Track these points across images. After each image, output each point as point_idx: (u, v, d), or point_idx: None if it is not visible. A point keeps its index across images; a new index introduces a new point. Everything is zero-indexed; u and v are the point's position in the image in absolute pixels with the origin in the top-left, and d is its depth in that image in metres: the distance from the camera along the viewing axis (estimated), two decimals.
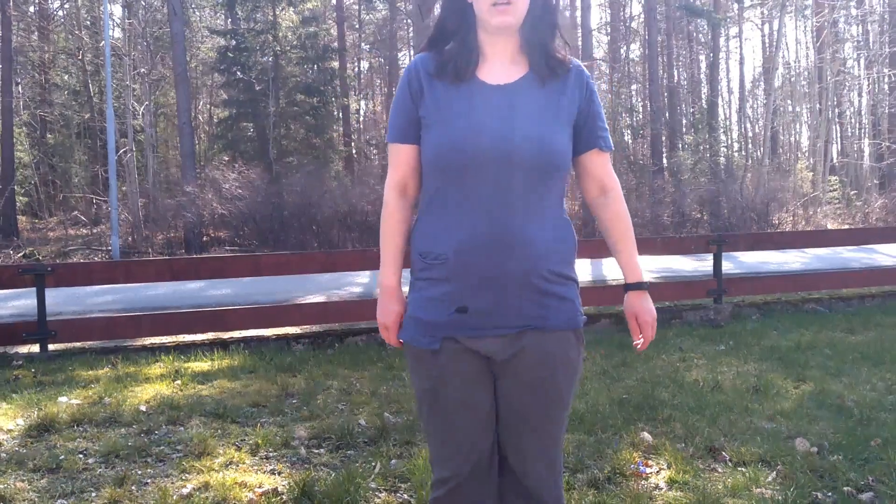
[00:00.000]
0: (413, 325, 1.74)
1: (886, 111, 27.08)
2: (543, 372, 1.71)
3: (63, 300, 7.87)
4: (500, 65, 1.74)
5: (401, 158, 1.78)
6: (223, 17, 24.46)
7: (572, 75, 1.77)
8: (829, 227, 19.26)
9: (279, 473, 3.18)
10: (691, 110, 28.11)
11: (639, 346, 1.86)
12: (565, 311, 1.72)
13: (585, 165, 1.81)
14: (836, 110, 28.21)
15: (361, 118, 28.58)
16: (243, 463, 3.30)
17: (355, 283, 9.73)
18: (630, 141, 26.23)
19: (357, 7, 27.88)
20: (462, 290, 1.66)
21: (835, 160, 27.65)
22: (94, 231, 18.04)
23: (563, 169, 1.72)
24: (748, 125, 31.09)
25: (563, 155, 1.72)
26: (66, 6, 25.46)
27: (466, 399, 1.73)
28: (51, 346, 5.54)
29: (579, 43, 19.75)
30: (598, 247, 7.82)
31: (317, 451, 3.47)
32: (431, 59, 1.76)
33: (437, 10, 13.02)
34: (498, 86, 1.72)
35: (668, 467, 3.16)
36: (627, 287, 1.83)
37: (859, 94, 31.12)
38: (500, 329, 1.68)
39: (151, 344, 5.74)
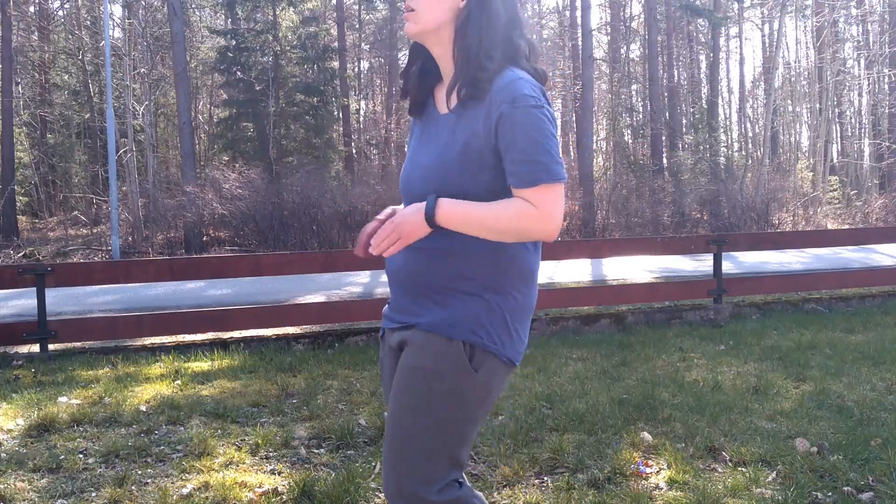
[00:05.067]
0: None
1: (886, 111, 27.09)
2: (401, 365, 1.66)
3: (63, 300, 7.87)
4: (448, 89, 1.65)
5: None
6: (223, 17, 24.46)
7: (490, 97, 1.56)
8: (829, 227, 19.26)
9: (279, 473, 3.18)
10: (691, 110, 28.11)
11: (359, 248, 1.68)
12: (438, 314, 1.61)
13: None
14: (836, 110, 28.22)
15: (361, 118, 28.55)
16: (243, 463, 3.30)
17: (355, 283, 9.73)
18: (630, 141, 26.24)
19: (357, 7, 27.87)
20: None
21: (835, 160, 27.67)
22: (94, 231, 18.03)
23: None
24: (748, 125, 31.14)
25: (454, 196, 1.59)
26: (66, 6, 25.48)
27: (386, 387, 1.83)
28: (51, 346, 5.54)
29: (580, 43, 19.74)
30: (597, 247, 7.83)
31: (317, 451, 3.47)
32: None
33: None
34: (441, 116, 1.68)
35: (668, 467, 3.16)
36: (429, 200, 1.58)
37: (859, 94, 31.16)
38: (392, 322, 1.74)
39: (151, 344, 5.74)
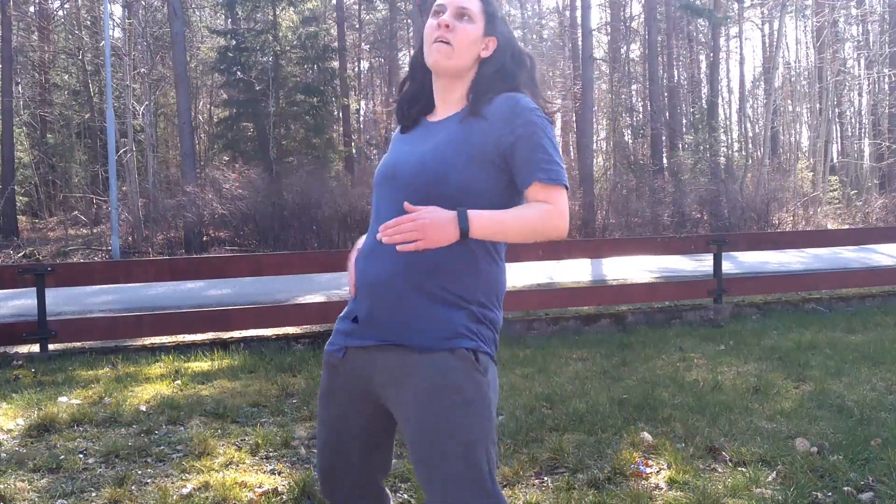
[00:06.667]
0: None
1: (886, 111, 27.11)
2: (414, 393, 1.60)
3: (63, 300, 7.87)
4: (444, 109, 1.77)
5: None
6: (223, 17, 24.45)
7: (499, 110, 1.65)
8: (829, 227, 19.26)
9: (279, 473, 3.18)
10: (691, 110, 28.10)
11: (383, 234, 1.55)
12: (429, 329, 1.61)
13: (528, 200, 1.66)
14: (836, 110, 28.23)
15: (361, 118, 28.57)
16: (243, 463, 3.30)
17: None
18: (630, 141, 26.24)
19: (357, 7, 27.87)
20: (356, 299, 1.72)
21: (835, 160, 27.67)
22: (94, 231, 18.03)
23: (451, 196, 1.60)
24: (748, 125, 31.11)
25: (453, 184, 1.61)
26: (66, 6, 25.47)
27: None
28: (51, 346, 5.54)
29: (580, 43, 19.75)
30: (597, 247, 7.83)
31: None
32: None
33: None
34: (432, 122, 1.78)
35: (668, 467, 3.16)
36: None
37: (859, 94, 31.18)
38: (364, 340, 1.68)
39: (151, 344, 5.74)
